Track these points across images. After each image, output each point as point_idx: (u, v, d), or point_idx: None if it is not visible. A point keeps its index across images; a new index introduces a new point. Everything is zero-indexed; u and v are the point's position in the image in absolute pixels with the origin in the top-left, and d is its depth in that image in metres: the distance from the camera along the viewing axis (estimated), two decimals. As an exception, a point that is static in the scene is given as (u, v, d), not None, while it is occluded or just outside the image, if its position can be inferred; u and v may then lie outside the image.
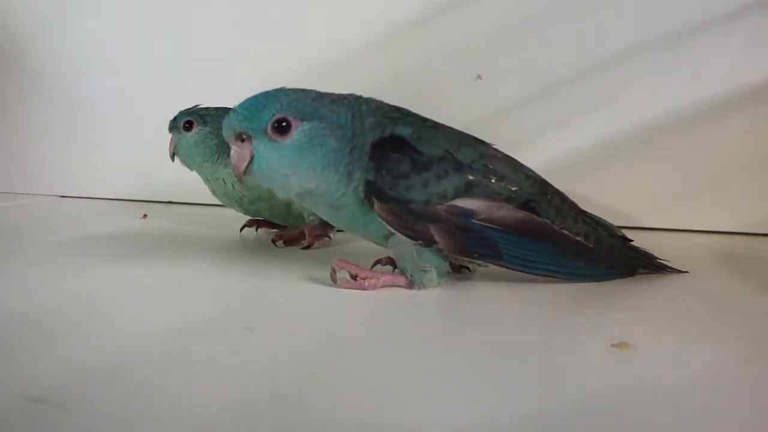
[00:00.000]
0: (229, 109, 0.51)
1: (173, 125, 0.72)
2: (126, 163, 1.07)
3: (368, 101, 0.53)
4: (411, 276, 0.53)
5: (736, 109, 0.77)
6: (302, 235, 0.71)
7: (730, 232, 0.79)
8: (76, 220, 0.94)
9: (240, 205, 0.74)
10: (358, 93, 0.54)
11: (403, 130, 0.51)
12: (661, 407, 0.32)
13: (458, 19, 0.86)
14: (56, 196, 1.15)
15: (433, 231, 0.50)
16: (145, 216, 0.92)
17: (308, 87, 0.53)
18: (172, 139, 0.72)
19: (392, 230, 0.51)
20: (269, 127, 0.49)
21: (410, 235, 0.51)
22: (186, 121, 0.71)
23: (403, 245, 0.52)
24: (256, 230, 0.78)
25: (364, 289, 0.52)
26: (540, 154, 0.77)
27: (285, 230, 0.75)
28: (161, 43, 1.03)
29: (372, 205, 0.50)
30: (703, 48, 0.77)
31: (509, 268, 0.53)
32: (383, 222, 0.50)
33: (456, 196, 0.50)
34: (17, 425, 0.30)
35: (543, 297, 0.51)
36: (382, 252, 0.57)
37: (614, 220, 0.60)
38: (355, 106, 0.52)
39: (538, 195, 0.53)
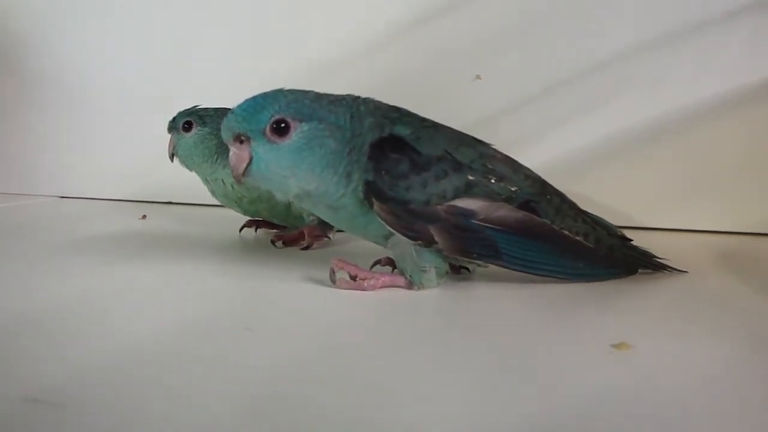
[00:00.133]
0: (228, 109, 0.51)
1: (172, 126, 0.72)
2: (125, 164, 1.07)
3: (367, 101, 0.53)
4: (410, 276, 0.53)
5: (736, 109, 0.77)
6: (301, 236, 0.71)
7: (730, 232, 0.79)
8: (76, 221, 0.94)
9: (239, 205, 0.74)
10: (357, 93, 0.54)
11: (402, 131, 0.51)
12: (660, 407, 0.32)
13: (457, 19, 0.86)
14: (56, 196, 1.15)
15: (433, 231, 0.50)
16: (144, 217, 0.92)
17: (307, 88, 0.53)
18: (171, 139, 0.72)
19: (392, 230, 0.51)
20: (268, 128, 0.49)
21: (410, 236, 0.51)
22: (185, 122, 0.71)
23: (402, 245, 0.52)
24: (256, 231, 0.78)
25: (364, 289, 0.52)
26: (539, 154, 0.77)
27: (284, 231, 0.75)
28: (160, 43, 1.03)
29: (371, 205, 0.50)
30: (702, 48, 0.78)
31: (509, 269, 0.53)
32: (382, 222, 0.50)
33: (455, 196, 0.50)
34: (17, 425, 0.30)
35: (542, 297, 0.51)
36: (382, 252, 0.57)
37: (614, 220, 0.60)
38: (353, 106, 0.52)
39: (538, 195, 0.53)
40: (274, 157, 0.49)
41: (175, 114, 0.72)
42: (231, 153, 0.51)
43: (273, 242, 0.72)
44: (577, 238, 0.53)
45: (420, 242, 0.51)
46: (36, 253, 0.69)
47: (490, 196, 0.51)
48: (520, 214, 0.51)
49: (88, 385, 0.35)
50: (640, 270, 0.57)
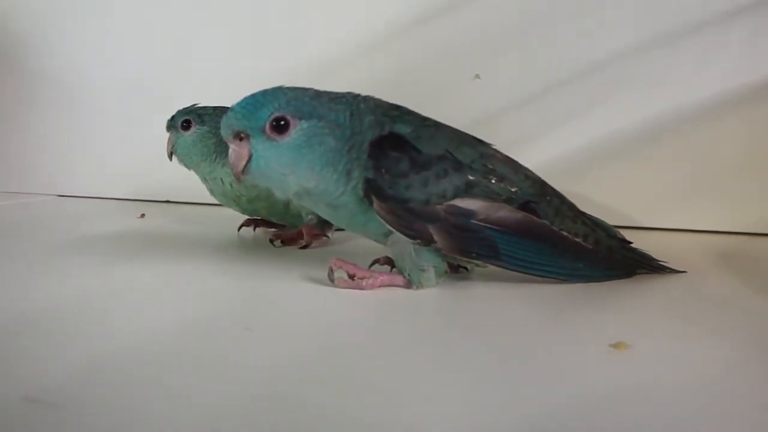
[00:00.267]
0: (228, 108, 0.51)
1: (171, 124, 0.72)
2: (124, 163, 1.07)
3: (367, 99, 0.53)
4: (409, 275, 0.53)
5: (735, 109, 0.77)
6: (300, 235, 0.71)
7: (729, 232, 0.79)
8: (75, 220, 0.94)
9: (238, 204, 0.74)
10: (357, 92, 0.54)
11: (403, 129, 0.51)
12: (659, 407, 0.32)
13: (457, 18, 0.86)
14: (55, 195, 1.15)
15: (432, 230, 0.50)
16: (143, 215, 0.92)
17: (307, 86, 0.53)
18: (169, 138, 0.72)
19: (391, 229, 0.51)
20: (267, 125, 0.49)
21: (409, 234, 0.50)
22: (184, 120, 0.71)
23: (401, 244, 0.52)
24: (254, 229, 0.78)
25: (362, 288, 0.52)
26: (539, 154, 0.77)
27: (283, 229, 0.75)
28: (159, 42, 1.03)
29: (371, 203, 0.50)
30: (702, 48, 0.78)
31: (508, 269, 0.52)
32: (382, 221, 0.50)
33: (455, 195, 0.50)
34: (15, 425, 0.30)
35: (541, 297, 0.51)
36: (381, 251, 0.57)
37: (613, 220, 0.60)
38: (353, 104, 0.52)
39: (538, 196, 0.53)
40: (274, 155, 0.49)
41: (173, 113, 0.72)
42: (230, 150, 0.50)
43: (271, 241, 0.72)
44: (577, 239, 0.53)
45: (419, 241, 0.51)
46: (35, 252, 0.69)
47: (490, 196, 0.51)
48: (519, 215, 0.51)
49: (87, 384, 0.34)
50: (638, 271, 0.57)
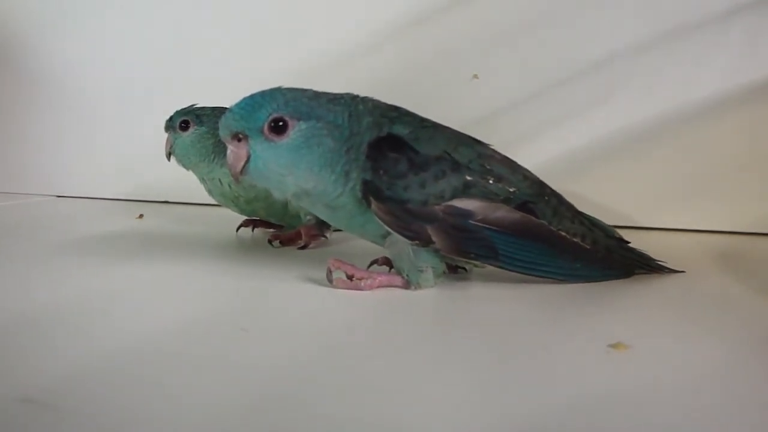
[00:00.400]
0: (226, 108, 0.51)
1: (169, 125, 0.72)
2: (122, 163, 1.07)
3: (365, 100, 0.53)
4: (407, 276, 0.53)
5: (733, 108, 0.77)
6: (298, 235, 0.71)
7: (727, 232, 0.79)
8: (73, 220, 0.94)
9: (236, 204, 0.74)
10: (355, 92, 0.54)
11: (401, 130, 0.51)
12: (657, 407, 0.32)
13: (454, 18, 0.86)
14: (53, 196, 1.15)
15: (430, 231, 0.50)
16: (141, 216, 0.92)
17: (305, 86, 0.52)
18: (168, 138, 0.72)
19: (389, 230, 0.51)
20: (266, 126, 0.49)
21: (407, 235, 0.50)
22: (182, 121, 0.71)
23: (399, 245, 0.52)
24: (253, 230, 0.78)
25: (361, 289, 0.52)
26: (537, 154, 0.77)
27: (281, 230, 0.75)
28: (157, 43, 1.03)
29: (369, 204, 0.50)
30: (700, 47, 0.78)
31: (506, 269, 0.52)
32: (380, 222, 0.50)
33: (453, 196, 0.50)
34: (10, 427, 0.30)
35: (539, 298, 0.51)
36: (379, 252, 0.57)
37: (612, 220, 0.60)
38: (351, 105, 0.52)
39: (536, 196, 0.53)
40: (272, 156, 0.49)
41: (172, 113, 0.72)
42: (228, 151, 0.50)
43: (270, 242, 0.72)
44: (575, 239, 0.53)
45: (417, 242, 0.51)
46: (32, 252, 0.69)
47: (488, 196, 0.51)
48: (517, 215, 0.51)
49: (83, 386, 0.34)
50: (637, 271, 0.57)
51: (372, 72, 0.89)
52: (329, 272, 0.53)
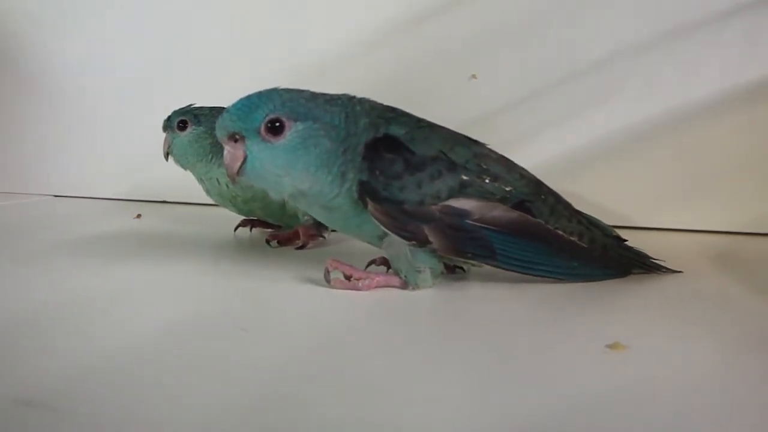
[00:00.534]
0: (223, 108, 0.51)
1: (167, 125, 0.72)
2: (120, 163, 1.07)
3: (362, 101, 0.53)
4: (405, 276, 0.53)
5: (730, 108, 0.77)
6: (296, 235, 0.71)
7: (725, 232, 0.79)
8: (70, 220, 0.94)
9: (234, 204, 0.74)
10: (353, 93, 0.54)
11: (397, 131, 0.51)
12: (655, 407, 0.32)
13: (452, 18, 0.86)
14: (50, 195, 1.15)
15: (427, 231, 0.50)
16: (139, 216, 0.92)
17: (302, 87, 0.52)
18: (166, 138, 0.72)
19: (386, 231, 0.51)
20: (262, 127, 0.49)
21: (404, 236, 0.50)
22: (180, 121, 0.71)
23: (397, 246, 0.52)
24: (250, 230, 0.78)
25: (358, 289, 0.52)
26: (535, 154, 0.77)
27: (279, 230, 0.75)
28: (155, 42, 1.03)
29: (366, 205, 0.50)
30: (698, 47, 0.78)
31: (503, 269, 0.53)
32: (377, 223, 0.50)
33: (450, 196, 0.50)
34: (10, 427, 0.30)
35: (537, 297, 0.51)
36: (377, 252, 0.57)
37: (609, 220, 0.60)
38: (348, 106, 0.52)
39: (533, 195, 0.53)
40: (269, 157, 0.49)
41: (169, 113, 0.72)
42: (225, 152, 0.50)
43: (268, 242, 0.72)
44: (572, 238, 0.53)
45: (414, 242, 0.51)
46: (30, 252, 0.69)
47: (485, 196, 0.51)
48: (514, 214, 0.51)
49: (81, 387, 0.34)
50: (634, 270, 0.57)
51: (370, 72, 0.89)
52: (327, 272, 0.53)
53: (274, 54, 0.95)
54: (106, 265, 0.62)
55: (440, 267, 0.53)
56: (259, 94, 0.50)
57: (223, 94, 0.58)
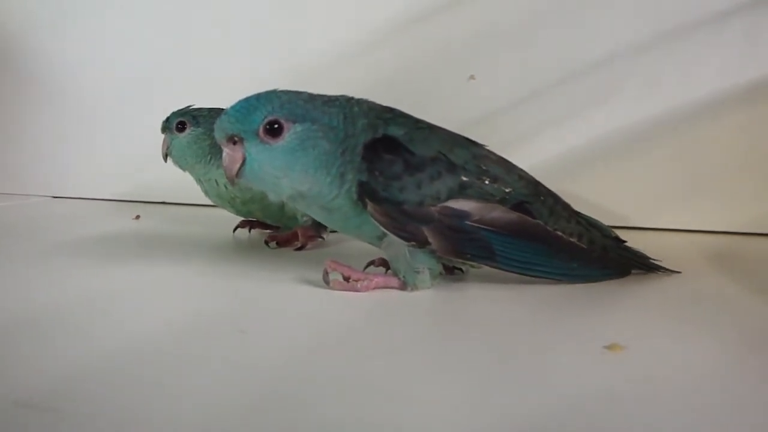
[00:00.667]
0: (223, 109, 0.51)
1: (166, 126, 0.72)
2: (119, 164, 1.07)
3: (360, 102, 0.53)
4: (404, 277, 0.53)
5: (730, 108, 0.77)
6: (295, 236, 0.71)
7: (724, 232, 0.79)
8: (69, 221, 0.94)
9: (232, 205, 0.74)
10: (351, 94, 0.54)
11: (396, 131, 0.51)
12: (653, 408, 0.32)
13: (451, 19, 0.86)
14: (49, 196, 1.15)
15: (426, 232, 0.50)
16: (137, 217, 0.92)
17: (301, 88, 0.53)
18: (164, 139, 0.72)
19: (385, 231, 0.51)
20: (261, 129, 0.49)
21: (403, 236, 0.50)
22: (179, 122, 0.71)
23: (396, 246, 0.52)
24: (249, 231, 0.78)
25: (357, 290, 0.52)
26: (534, 154, 0.78)
27: (278, 231, 0.75)
28: (154, 43, 1.03)
29: (365, 206, 0.50)
30: (696, 47, 0.78)
31: (502, 270, 0.53)
32: (376, 223, 0.50)
33: (449, 197, 0.50)
34: (10, 428, 0.30)
35: (536, 298, 0.51)
36: (376, 253, 0.57)
37: (607, 220, 0.60)
38: (346, 107, 0.52)
39: (532, 196, 0.53)
40: (267, 158, 0.49)
41: (168, 114, 0.72)
42: (224, 154, 0.50)
43: (266, 243, 0.72)
44: (571, 239, 0.53)
45: (413, 243, 0.51)
46: (29, 253, 0.69)
47: (484, 197, 0.51)
48: (513, 215, 0.51)
49: (81, 388, 0.34)
50: (633, 271, 0.57)
51: (370, 72, 0.89)
52: (326, 273, 0.53)
53: (274, 54, 0.95)
54: (105, 265, 0.62)
55: (439, 268, 0.53)
56: (258, 96, 0.50)
57: (222, 95, 0.58)
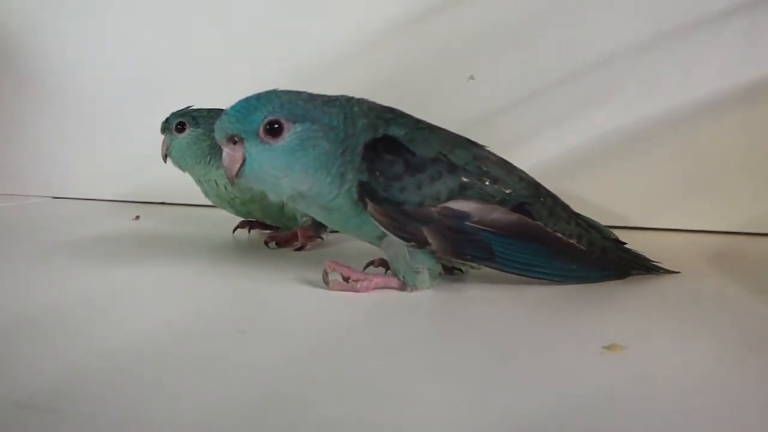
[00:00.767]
0: (222, 110, 0.51)
1: (165, 126, 0.72)
2: (119, 165, 1.07)
3: (360, 102, 0.53)
4: (403, 277, 0.53)
5: (728, 109, 0.77)
6: (295, 237, 0.71)
7: (723, 232, 0.79)
8: (69, 222, 0.94)
9: (232, 206, 0.73)
10: (351, 94, 0.54)
11: (396, 131, 0.51)
12: (653, 408, 0.32)
13: (451, 19, 0.86)
14: (49, 197, 1.15)
15: (426, 232, 0.50)
16: (137, 217, 0.92)
17: (301, 88, 0.52)
18: (164, 140, 0.72)
19: (385, 231, 0.51)
20: (261, 129, 0.49)
21: (403, 237, 0.50)
22: (178, 123, 0.71)
23: (396, 246, 0.52)
24: (249, 231, 0.78)
25: (357, 291, 0.52)
26: (533, 155, 0.78)
27: (277, 231, 0.75)
28: (154, 44, 1.03)
29: (365, 206, 0.50)
30: (696, 47, 0.78)
31: (502, 271, 0.52)
32: (376, 223, 0.50)
33: (449, 197, 0.50)
34: (9, 429, 0.30)
35: (535, 299, 0.51)
36: (376, 253, 0.57)
37: (608, 220, 0.60)
38: (347, 107, 0.52)
39: (532, 197, 0.53)
40: (268, 158, 0.49)
41: (168, 115, 0.72)
42: (224, 154, 0.50)
43: (266, 243, 0.72)
44: (571, 240, 0.53)
45: (413, 243, 0.51)
46: (29, 254, 0.69)
47: (484, 198, 0.51)
48: (513, 217, 0.51)
49: (81, 388, 0.34)
50: (633, 272, 0.57)
51: (368, 73, 0.89)
52: (325, 274, 0.53)
53: (274, 54, 0.95)
54: (104, 266, 0.62)
55: (438, 268, 0.53)
56: (258, 96, 0.50)
57: (222, 95, 0.57)
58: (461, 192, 0.51)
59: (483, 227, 0.51)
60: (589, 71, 0.81)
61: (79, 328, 0.45)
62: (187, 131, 0.70)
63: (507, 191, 0.52)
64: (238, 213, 0.75)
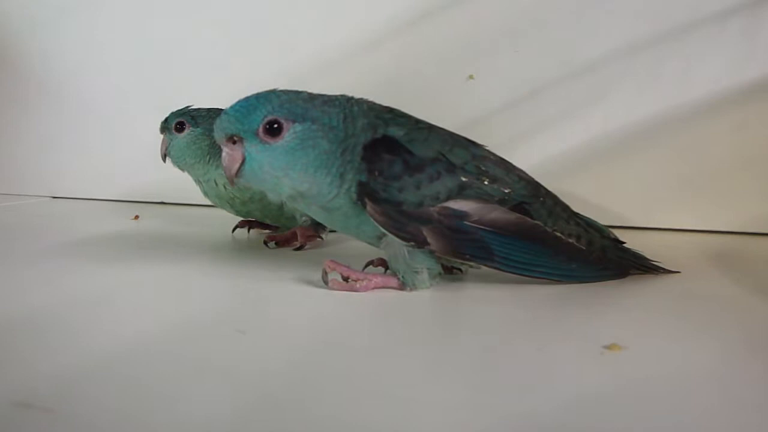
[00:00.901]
0: (221, 110, 0.51)
1: (165, 126, 0.72)
2: (118, 164, 1.07)
3: (360, 102, 0.53)
4: (403, 277, 0.53)
5: (727, 108, 0.77)
6: (294, 236, 0.71)
7: (722, 232, 0.79)
8: (68, 221, 0.94)
9: (231, 206, 0.73)
10: (350, 94, 0.54)
11: (396, 132, 0.51)
12: (652, 408, 0.32)
13: (450, 19, 0.86)
14: (48, 197, 1.15)
15: (426, 232, 0.50)
16: (136, 217, 0.92)
17: (300, 88, 0.53)
18: (163, 140, 0.72)
19: (384, 231, 0.51)
20: (261, 129, 0.49)
21: (402, 237, 0.50)
22: (177, 122, 0.71)
23: (395, 246, 0.52)
24: (248, 231, 0.78)
25: (356, 290, 0.52)
26: (532, 155, 0.78)
27: (277, 231, 0.75)
28: (153, 43, 1.03)
29: (364, 206, 0.50)
30: (694, 47, 0.78)
31: (501, 270, 0.52)
32: (375, 223, 0.50)
33: (449, 197, 0.50)
34: (7, 430, 0.30)
35: (535, 299, 0.51)
36: (375, 253, 0.57)
37: (607, 220, 0.60)
38: (346, 107, 0.52)
39: (531, 197, 0.53)
40: (267, 158, 0.49)
41: (167, 114, 0.72)
42: (224, 154, 0.50)
43: (266, 243, 0.72)
44: (570, 240, 0.53)
45: (413, 243, 0.51)
46: (27, 253, 0.69)
47: (484, 197, 0.51)
48: (513, 216, 0.51)
49: (79, 388, 0.34)
50: (632, 271, 0.57)
51: (367, 73, 0.89)
52: (324, 274, 0.53)
53: (273, 54, 0.95)
54: (103, 266, 0.62)
55: (438, 268, 0.53)
56: (257, 96, 0.50)
57: (221, 95, 0.58)
58: (460, 192, 0.51)
59: (482, 227, 0.51)
60: (588, 71, 0.81)
61: (77, 327, 0.45)
62: (186, 131, 0.70)
63: (506, 191, 0.52)
64: (237, 213, 0.75)
